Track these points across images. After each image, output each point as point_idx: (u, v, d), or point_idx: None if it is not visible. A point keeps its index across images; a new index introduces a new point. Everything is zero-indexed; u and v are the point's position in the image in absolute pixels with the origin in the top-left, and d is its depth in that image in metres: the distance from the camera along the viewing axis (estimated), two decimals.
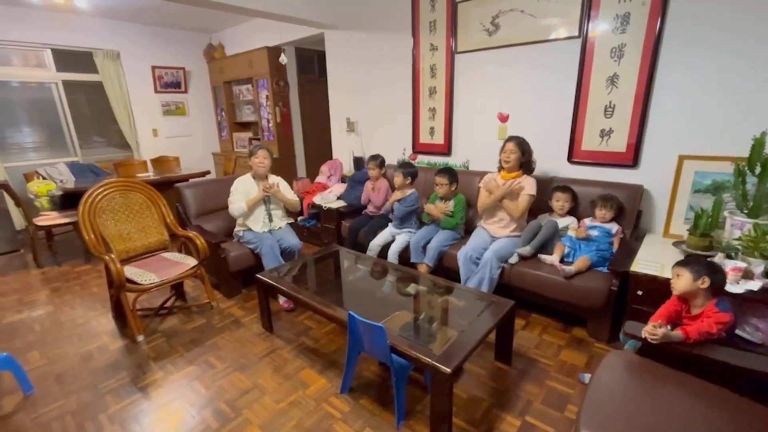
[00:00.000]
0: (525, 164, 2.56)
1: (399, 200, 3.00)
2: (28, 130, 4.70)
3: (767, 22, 1.99)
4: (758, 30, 2.02)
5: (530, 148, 2.57)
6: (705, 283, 1.47)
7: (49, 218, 3.66)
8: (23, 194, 3.85)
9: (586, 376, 1.90)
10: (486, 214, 2.70)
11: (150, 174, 4.64)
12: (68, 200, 3.87)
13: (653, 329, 1.43)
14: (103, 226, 2.47)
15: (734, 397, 1.29)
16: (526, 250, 2.38)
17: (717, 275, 1.49)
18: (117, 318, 2.61)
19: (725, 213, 2.04)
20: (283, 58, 3.97)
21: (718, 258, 1.88)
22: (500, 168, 2.64)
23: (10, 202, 3.75)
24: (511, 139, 2.57)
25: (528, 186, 2.51)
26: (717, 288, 1.50)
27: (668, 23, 2.25)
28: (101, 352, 2.27)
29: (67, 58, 4.76)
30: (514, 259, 2.42)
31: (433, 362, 1.49)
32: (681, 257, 2.01)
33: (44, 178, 4.07)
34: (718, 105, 2.20)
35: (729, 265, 1.79)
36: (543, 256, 2.35)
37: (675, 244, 2.18)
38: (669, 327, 1.50)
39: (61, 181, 4.03)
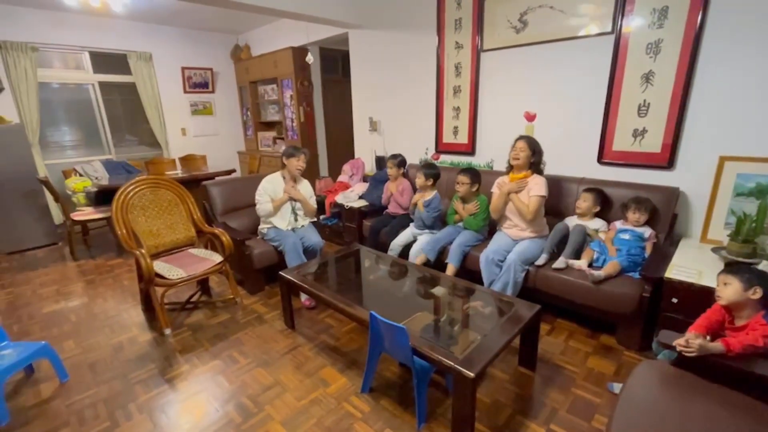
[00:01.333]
0: (534, 164, 2.48)
1: (424, 204, 2.96)
2: (67, 129, 4.94)
3: None
4: None
5: (541, 148, 2.49)
6: (757, 293, 1.36)
7: (85, 213, 3.84)
8: (62, 190, 4.06)
9: (616, 386, 1.82)
10: (501, 218, 2.64)
11: (178, 172, 4.79)
12: (103, 196, 4.04)
13: (688, 342, 1.35)
14: (135, 221, 2.56)
15: None
16: (562, 262, 2.29)
17: None
18: (146, 311, 2.70)
19: None
20: (309, 58, 4.01)
21: (764, 266, 1.77)
22: (509, 168, 2.58)
23: (49, 198, 3.96)
24: (522, 137, 2.51)
25: (537, 187, 2.42)
26: None
27: (710, 17, 2.13)
28: (131, 343, 2.35)
29: (103, 60, 4.97)
30: (540, 261, 2.36)
31: (456, 366, 1.46)
32: (720, 264, 1.91)
33: (81, 175, 4.26)
34: (763, 104, 2.06)
35: None
36: (571, 261, 2.28)
37: (714, 250, 2.07)
38: (708, 338, 1.41)
39: (96, 178, 4.21)
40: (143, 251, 2.35)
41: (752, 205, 2.07)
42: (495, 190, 2.62)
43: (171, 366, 2.12)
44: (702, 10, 2.13)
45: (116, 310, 2.77)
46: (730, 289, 1.41)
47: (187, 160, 5.30)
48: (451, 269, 2.67)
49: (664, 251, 2.18)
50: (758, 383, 1.29)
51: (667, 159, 2.39)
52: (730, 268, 1.48)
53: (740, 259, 1.89)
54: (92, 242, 4.25)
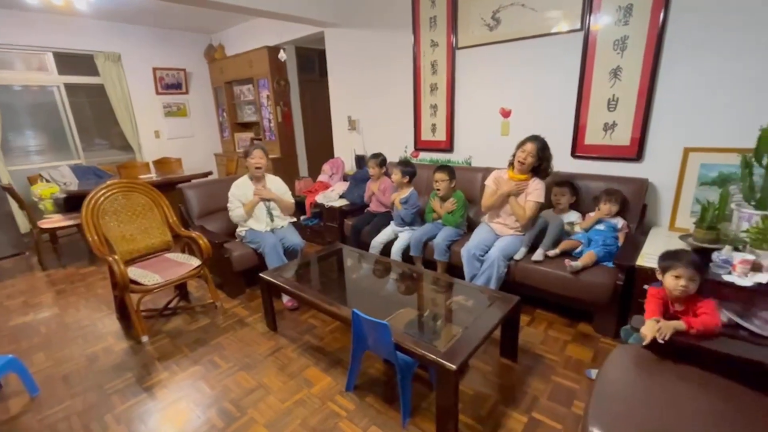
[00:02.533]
0: (541, 170, 2.44)
1: (401, 202, 2.98)
2: (31, 133, 4.72)
3: None
4: (765, 20, 1.98)
5: (550, 154, 2.41)
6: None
7: (53, 221, 3.68)
8: (27, 197, 3.86)
9: (593, 372, 1.88)
10: (491, 212, 2.64)
11: (152, 175, 4.65)
12: (72, 203, 3.89)
13: (657, 327, 1.40)
14: (107, 227, 2.47)
15: (744, 391, 1.28)
16: (540, 254, 2.34)
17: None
18: (121, 319, 2.61)
19: (732, 205, 2.01)
20: (282, 55, 3.96)
21: (726, 251, 1.86)
22: (511, 164, 2.52)
23: (14, 205, 3.77)
24: (533, 139, 2.39)
25: (536, 192, 2.40)
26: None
27: (672, 14, 2.22)
28: (106, 353, 2.27)
29: (68, 61, 4.78)
30: (519, 255, 2.41)
31: (438, 359, 1.47)
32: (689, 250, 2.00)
33: (48, 181, 4.08)
34: (724, 96, 2.17)
35: (737, 258, 1.76)
36: (551, 252, 2.34)
37: (682, 237, 2.15)
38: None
39: (64, 184, 4.05)
40: (116, 257, 2.27)
41: (715, 193, 2.17)
42: (490, 184, 2.58)
43: (149, 374, 2.06)
44: (664, 7, 2.21)
45: (90, 319, 2.67)
46: (694, 285, 1.48)
47: (161, 164, 5.16)
48: (441, 266, 2.70)
49: (635, 240, 2.26)
50: (721, 361, 1.36)
51: (636, 151, 2.48)
52: (692, 263, 1.50)
53: (706, 245, 1.97)
54: (62, 251, 4.07)
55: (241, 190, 2.83)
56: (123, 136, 5.27)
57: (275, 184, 2.98)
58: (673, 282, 1.49)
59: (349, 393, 1.86)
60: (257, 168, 2.81)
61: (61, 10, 4.24)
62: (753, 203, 1.94)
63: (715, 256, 1.86)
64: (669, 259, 1.53)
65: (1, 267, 3.70)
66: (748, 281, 1.68)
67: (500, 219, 2.60)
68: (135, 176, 4.52)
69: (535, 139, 2.41)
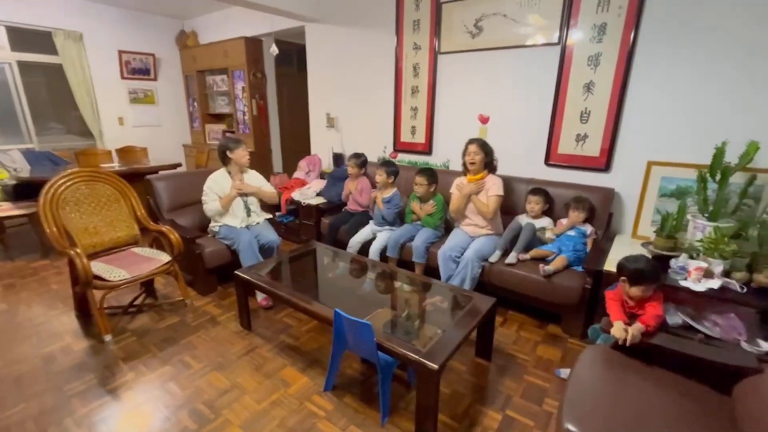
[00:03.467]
0: (488, 164, 2.63)
1: (384, 201, 2.99)
2: None
3: (734, 39, 2.13)
4: (726, 47, 2.16)
5: (491, 148, 2.64)
6: None
7: (2, 210, 3.39)
8: None
9: (562, 371, 1.97)
10: (459, 216, 2.74)
11: (115, 165, 4.38)
12: (23, 190, 3.60)
13: (632, 335, 1.51)
14: (67, 218, 2.31)
15: (697, 386, 1.40)
16: (513, 257, 2.42)
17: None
18: (81, 317, 2.46)
19: (688, 216, 2.17)
20: (273, 49, 3.84)
21: (682, 258, 2.01)
22: (465, 171, 2.70)
23: None
24: (472, 141, 2.62)
25: (495, 187, 2.57)
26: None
27: (641, 35, 2.37)
28: (65, 353, 2.13)
29: (23, 37, 4.41)
30: (494, 258, 2.48)
31: (420, 359, 1.50)
32: (649, 256, 2.14)
33: None
34: (684, 114, 2.34)
35: (692, 265, 1.91)
36: (522, 255, 2.44)
37: (643, 244, 2.30)
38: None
39: (15, 170, 3.74)
40: (78, 251, 2.13)
41: (674, 204, 2.34)
42: (454, 191, 2.71)
43: (113, 375, 1.95)
44: (635, 28, 2.36)
45: (44, 317, 2.48)
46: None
47: (125, 152, 4.88)
48: (419, 268, 2.73)
49: (602, 246, 2.39)
50: (677, 359, 1.48)
51: (605, 162, 2.63)
52: (653, 279, 1.65)
53: (664, 252, 2.12)
54: (10, 242, 3.77)
55: (218, 184, 2.74)
56: (82, 120, 4.93)
57: (253, 178, 2.90)
58: (639, 292, 1.63)
59: (327, 393, 1.85)
60: (244, 160, 2.76)
61: None
62: (706, 215, 2.10)
63: (672, 262, 2.01)
64: (639, 276, 1.63)
65: None
66: (701, 287, 1.83)
67: (469, 220, 2.70)
68: (95, 164, 4.24)
69: (473, 140, 2.63)
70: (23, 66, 4.47)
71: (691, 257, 2.03)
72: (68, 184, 2.36)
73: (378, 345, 1.61)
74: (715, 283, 1.83)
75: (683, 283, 1.90)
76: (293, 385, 1.90)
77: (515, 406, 1.79)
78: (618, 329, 1.54)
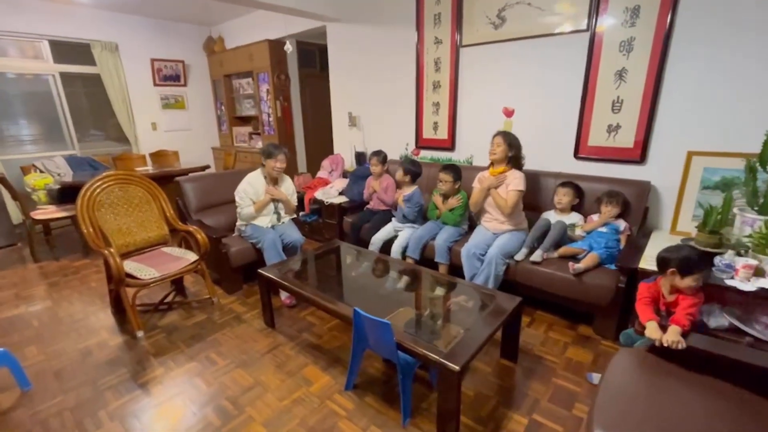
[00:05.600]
0: (513, 159, 2.52)
1: (404, 199, 2.95)
2: (25, 122, 4.63)
3: None
4: None
5: (518, 143, 2.52)
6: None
7: (47, 212, 3.61)
8: (20, 187, 3.79)
9: (595, 376, 1.87)
10: (480, 212, 2.66)
11: (149, 168, 4.59)
12: (66, 194, 3.81)
13: (676, 343, 1.39)
14: (102, 219, 2.43)
15: (746, 394, 1.27)
16: (538, 255, 2.33)
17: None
18: (116, 313, 2.57)
19: (735, 210, 2.01)
20: (288, 47, 3.90)
21: (728, 255, 1.85)
22: (490, 164, 2.61)
23: (6, 196, 3.70)
24: (499, 133, 2.54)
25: (515, 181, 2.46)
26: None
27: (679, 17, 2.21)
28: (100, 347, 2.23)
29: (64, 50, 4.69)
30: (519, 256, 2.39)
31: (441, 360, 1.46)
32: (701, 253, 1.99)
33: (41, 172, 4.01)
34: (729, 101, 2.16)
35: (740, 263, 1.76)
36: (548, 254, 2.33)
37: (683, 240, 2.15)
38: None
39: (58, 175, 3.97)
40: (112, 250, 2.23)
41: (718, 197, 2.17)
42: (476, 184, 2.64)
43: (144, 370, 2.03)
44: (671, 9, 2.20)
45: (83, 313, 2.62)
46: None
47: (158, 156, 5.10)
48: (443, 268, 2.68)
49: (637, 243, 2.25)
50: (722, 364, 1.35)
51: (639, 154, 2.48)
52: (689, 260, 1.52)
53: (708, 249, 1.97)
54: (55, 242, 4.01)
55: (252, 187, 2.78)
56: (119, 127, 5.19)
57: (286, 185, 2.95)
58: (693, 282, 1.50)
59: (348, 392, 1.84)
60: (276, 170, 2.79)
61: None
62: (756, 208, 1.93)
63: (717, 260, 1.85)
64: (691, 264, 1.50)
65: None
66: (750, 286, 1.68)
67: (489, 215, 2.61)
68: (131, 168, 4.45)
69: (499, 132, 2.54)
70: (65, 77, 4.75)
71: (739, 254, 1.88)
72: (103, 187, 2.47)
73: (398, 344, 1.57)
74: (766, 282, 1.68)
75: (729, 282, 1.75)
76: (315, 383, 1.91)
77: (542, 410, 1.71)
78: (653, 329, 1.44)
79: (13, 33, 4.29)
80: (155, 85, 5.41)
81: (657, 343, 1.42)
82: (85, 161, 4.43)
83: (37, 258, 3.56)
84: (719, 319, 1.73)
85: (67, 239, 4.11)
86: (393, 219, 3.08)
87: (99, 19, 4.77)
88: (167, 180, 3.72)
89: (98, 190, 2.44)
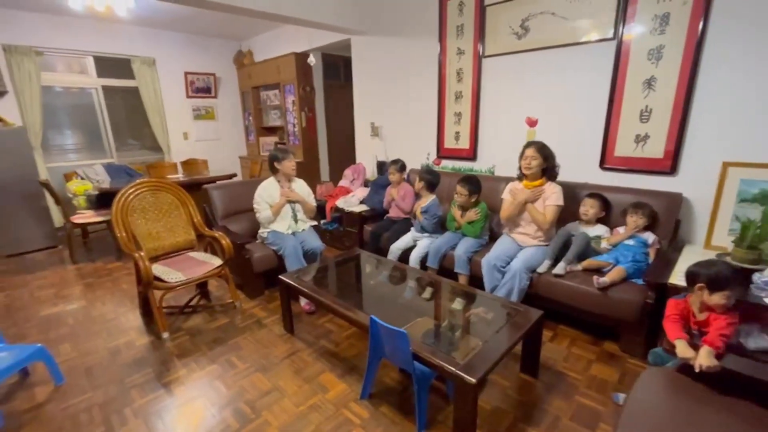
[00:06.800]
0: (548, 170, 2.44)
1: (421, 211, 2.95)
2: (69, 132, 4.95)
3: None
4: None
5: (552, 153, 2.43)
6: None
7: (85, 216, 3.83)
8: (62, 193, 4.05)
9: (621, 396, 1.78)
10: (510, 223, 2.60)
11: (179, 176, 4.79)
12: (103, 199, 4.03)
13: (708, 366, 1.30)
14: (134, 224, 2.55)
15: None
16: (561, 268, 2.26)
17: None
18: (144, 315, 2.67)
19: None
20: (311, 59, 4.03)
21: None
22: (520, 176, 2.54)
23: (50, 201, 3.95)
24: (530, 144, 2.45)
25: (554, 196, 2.38)
26: None
27: (711, 24, 2.13)
28: (128, 347, 2.32)
29: (107, 65, 5.00)
30: (542, 268, 2.33)
31: (457, 371, 1.43)
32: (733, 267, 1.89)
33: (82, 178, 4.26)
34: (766, 109, 2.05)
35: None
36: (571, 266, 2.27)
37: (719, 256, 2.04)
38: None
39: (97, 181, 4.21)
40: (142, 254, 2.33)
41: (756, 210, 2.06)
42: (507, 197, 2.57)
43: (168, 370, 2.10)
44: (704, 16, 2.13)
45: (114, 313, 2.74)
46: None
47: (188, 164, 5.31)
48: (463, 279, 2.64)
49: (667, 257, 2.16)
50: (758, 388, 1.27)
51: (670, 165, 2.38)
52: (720, 276, 1.44)
53: (745, 265, 1.86)
54: (92, 245, 4.24)
55: (267, 192, 2.87)
56: (154, 137, 5.46)
57: (300, 187, 3.02)
58: (723, 299, 1.42)
59: (363, 401, 1.83)
60: (293, 170, 2.91)
61: (102, 16, 4.47)
62: None
63: (756, 277, 1.75)
64: (722, 280, 1.42)
65: (35, 259, 3.88)
66: None
67: (521, 229, 2.54)
68: (163, 176, 4.66)
69: (531, 143, 2.45)
70: (106, 90, 5.06)
71: None
72: (136, 193, 2.60)
73: (414, 355, 1.56)
74: None
75: None
76: (331, 390, 1.91)
77: (563, 428, 1.64)
78: (683, 348, 1.36)
79: (62, 50, 4.62)
80: (188, 97, 5.67)
81: (696, 369, 1.32)
82: (122, 169, 4.67)
83: (76, 260, 3.77)
84: (759, 341, 1.63)
85: (103, 243, 4.33)
86: (412, 228, 3.08)
87: (139, 36, 5.07)
88: (196, 187, 3.87)
89: (131, 197, 2.57)
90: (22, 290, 3.14)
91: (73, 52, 4.72)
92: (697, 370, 1.31)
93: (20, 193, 3.90)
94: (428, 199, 2.98)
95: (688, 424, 1.19)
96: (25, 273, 3.51)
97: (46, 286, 3.23)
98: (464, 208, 2.79)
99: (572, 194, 2.65)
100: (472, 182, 2.72)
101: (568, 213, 2.66)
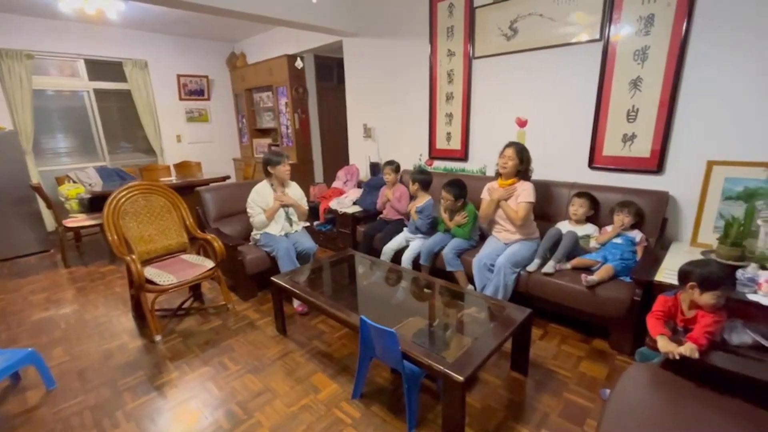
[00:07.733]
0: (522, 173, 2.49)
1: (416, 211, 2.96)
2: (61, 136, 4.93)
3: None
4: None
5: (529, 157, 2.49)
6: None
7: (78, 220, 3.81)
8: (55, 197, 4.03)
9: (608, 392, 1.79)
10: (490, 223, 2.65)
11: (173, 178, 4.78)
12: (96, 203, 4.03)
13: (688, 351, 1.36)
14: (126, 227, 2.54)
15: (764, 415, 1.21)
16: (551, 266, 2.29)
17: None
18: (137, 318, 2.67)
19: (759, 221, 1.93)
20: (299, 63, 4.07)
21: (751, 269, 1.78)
22: (498, 174, 2.59)
23: (42, 204, 3.93)
24: (511, 144, 2.50)
25: (525, 193, 2.43)
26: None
27: (695, 24, 2.17)
28: (121, 350, 2.32)
29: (98, 68, 4.99)
30: (532, 267, 2.36)
31: (446, 370, 1.45)
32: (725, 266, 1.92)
33: (74, 182, 4.25)
34: (750, 108, 2.09)
35: (763, 276, 1.70)
36: (560, 265, 2.30)
37: (704, 253, 2.08)
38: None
39: (89, 185, 4.20)
40: (134, 257, 2.34)
41: (740, 208, 2.09)
42: (485, 196, 2.62)
43: (160, 373, 2.10)
44: (687, 17, 2.17)
45: (107, 317, 2.74)
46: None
47: (181, 167, 5.30)
48: (461, 276, 2.67)
49: (654, 255, 2.19)
50: (740, 382, 1.30)
51: (656, 164, 2.42)
52: (713, 276, 1.47)
53: (730, 262, 1.90)
54: (84, 249, 4.22)
55: (261, 197, 2.88)
56: (146, 139, 5.45)
57: (293, 190, 3.03)
58: (712, 299, 1.45)
59: (355, 401, 1.84)
60: (287, 174, 2.92)
61: (93, 19, 4.45)
62: None
63: (739, 273, 1.78)
64: (714, 280, 1.45)
65: (27, 263, 3.86)
66: None
67: (500, 226, 2.59)
68: (156, 178, 4.65)
69: (512, 143, 2.51)
70: (98, 93, 5.04)
71: (763, 267, 1.80)
72: (128, 196, 2.60)
73: (403, 354, 1.58)
74: None
75: (752, 297, 1.69)
76: (323, 390, 1.92)
77: (552, 424, 1.66)
78: (665, 343, 1.39)
79: (54, 53, 4.60)
80: (181, 99, 5.66)
81: (671, 356, 1.38)
82: (114, 172, 4.66)
83: (68, 264, 3.75)
84: (742, 336, 1.65)
85: (95, 246, 4.31)
86: (405, 229, 3.10)
87: (130, 39, 5.06)
88: (189, 190, 3.87)
89: (123, 200, 2.56)
90: (14, 294, 3.12)
91: (65, 55, 4.70)
92: (670, 357, 1.36)
93: (12, 197, 3.88)
94: (424, 200, 2.99)
95: (670, 418, 1.22)
96: (17, 277, 3.49)
97: (38, 290, 3.21)
98: (452, 211, 2.82)
99: (561, 194, 2.69)
100: (457, 186, 2.73)
101: (557, 212, 2.69)
